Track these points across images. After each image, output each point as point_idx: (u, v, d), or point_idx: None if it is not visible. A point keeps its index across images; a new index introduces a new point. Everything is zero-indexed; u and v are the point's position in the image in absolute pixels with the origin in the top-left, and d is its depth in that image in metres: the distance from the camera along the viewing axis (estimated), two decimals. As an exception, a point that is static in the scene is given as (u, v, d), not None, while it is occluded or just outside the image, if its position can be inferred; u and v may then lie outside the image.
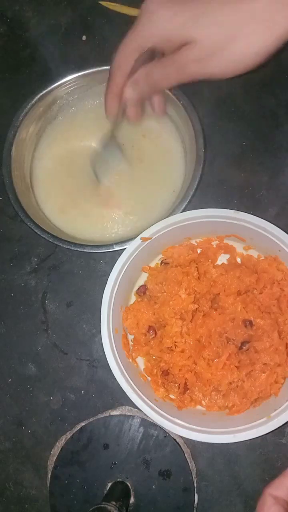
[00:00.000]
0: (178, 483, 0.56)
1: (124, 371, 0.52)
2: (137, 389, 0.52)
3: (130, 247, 0.55)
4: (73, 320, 0.63)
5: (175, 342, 0.54)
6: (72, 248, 0.59)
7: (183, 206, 0.58)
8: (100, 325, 0.53)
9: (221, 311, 0.55)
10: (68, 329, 0.63)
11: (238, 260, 0.59)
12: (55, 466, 0.58)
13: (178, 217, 0.55)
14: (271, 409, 0.51)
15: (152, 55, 0.49)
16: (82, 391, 0.61)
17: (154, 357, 0.57)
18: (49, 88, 0.63)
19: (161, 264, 0.59)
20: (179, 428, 0.51)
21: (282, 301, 0.55)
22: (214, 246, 0.60)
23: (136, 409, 0.59)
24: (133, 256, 0.55)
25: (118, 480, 0.57)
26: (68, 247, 0.58)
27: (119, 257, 0.55)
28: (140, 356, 0.57)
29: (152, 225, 0.55)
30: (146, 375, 0.56)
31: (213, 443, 0.55)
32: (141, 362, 0.58)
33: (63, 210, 0.64)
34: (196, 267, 0.56)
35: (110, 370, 0.52)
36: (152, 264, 0.60)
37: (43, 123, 0.66)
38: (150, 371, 0.56)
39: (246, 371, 0.53)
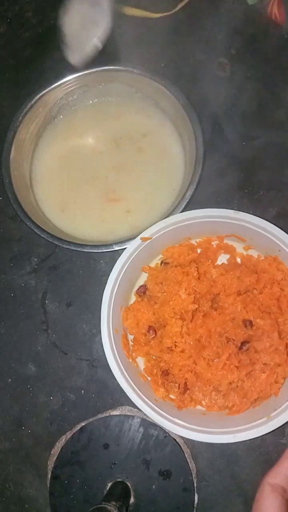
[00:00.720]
0: (178, 483, 0.56)
1: (124, 371, 0.52)
2: (137, 389, 0.52)
3: (130, 247, 0.55)
4: (73, 320, 0.63)
5: (175, 342, 0.54)
6: (72, 248, 0.59)
7: (183, 206, 0.58)
8: (100, 325, 0.53)
9: (221, 311, 0.55)
10: (68, 329, 0.63)
11: (238, 260, 0.59)
12: (55, 466, 0.58)
13: (178, 217, 0.55)
14: (271, 409, 0.51)
15: None
16: (82, 391, 0.61)
17: (154, 357, 0.57)
18: (49, 88, 0.63)
19: (161, 264, 0.59)
20: (179, 428, 0.51)
21: (282, 301, 0.55)
22: (214, 246, 0.60)
23: (136, 409, 0.59)
24: (133, 256, 0.55)
25: (118, 480, 0.57)
26: (68, 247, 0.58)
27: (119, 257, 0.55)
28: (140, 356, 0.57)
29: (152, 225, 0.55)
30: (146, 375, 0.56)
31: (213, 443, 0.55)
32: (141, 362, 0.57)
33: (62, 210, 0.64)
34: (196, 267, 0.56)
35: (110, 370, 0.52)
36: (152, 264, 0.60)
37: (42, 123, 0.66)
38: (150, 371, 0.56)
39: (246, 371, 0.53)
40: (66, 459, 0.58)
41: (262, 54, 0.70)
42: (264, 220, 0.54)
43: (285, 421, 0.50)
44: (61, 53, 0.72)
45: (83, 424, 0.59)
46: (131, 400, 0.52)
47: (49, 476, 0.58)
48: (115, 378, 0.52)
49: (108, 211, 0.63)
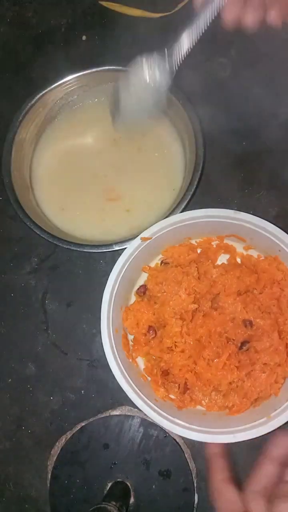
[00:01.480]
0: (178, 483, 0.56)
1: (124, 371, 0.52)
2: (137, 389, 0.52)
3: (130, 247, 0.55)
4: (73, 320, 0.63)
5: (175, 342, 0.54)
6: (72, 248, 0.59)
7: (183, 206, 0.58)
8: (100, 325, 0.53)
9: (221, 311, 0.55)
10: (68, 329, 0.63)
11: (238, 260, 0.59)
12: (55, 466, 0.58)
13: (178, 217, 0.55)
14: (271, 409, 0.51)
15: None
16: (82, 391, 0.61)
17: (154, 358, 0.57)
18: (49, 88, 0.63)
19: (161, 264, 0.59)
20: (179, 428, 0.51)
21: (282, 301, 0.55)
22: (214, 246, 0.60)
23: (136, 409, 0.59)
24: (133, 256, 0.55)
25: (118, 480, 0.57)
26: (68, 247, 0.58)
27: (119, 257, 0.55)
28: (140, 356, 0.57)
29: (152, 225, 0.55)
30: (146, 375, 0.56)
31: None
32: (141, 362, 0.57)
33: (62, 209, 0.64)
34: (196, 267, 0.56)
35: (110, 370, 0.52)
36: (152, 264, 0.60)
37: (42, 123, 0.66)
38: (150, 371, 0.56)
39: (246, 371, 0.53)
40: (66, 459, 0.58)
41: (262, 54, 0.70)
42: (264, 220, 0.54)
43: (285, 421, 0.50)
44: (61, 53, 0.72)
45: (83, 424, 0.59)
46: (131, 400, 0.52)
47: (49, 476, 0.58)
48: (115, 378, 0.52)
49: (108, 210, 0.63)
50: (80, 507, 0.57)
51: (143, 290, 0.58)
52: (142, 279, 0.60)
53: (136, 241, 0.55)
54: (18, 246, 0.66)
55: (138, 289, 0.58)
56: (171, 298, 0.54)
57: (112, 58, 0.71)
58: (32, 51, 0.72)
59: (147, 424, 0.58)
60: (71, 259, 0.65)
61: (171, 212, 0.57)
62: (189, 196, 0.58)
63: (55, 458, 0.58)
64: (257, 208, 0.64)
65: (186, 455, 0.57)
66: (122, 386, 0.52)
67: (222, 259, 0.60)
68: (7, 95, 0.70)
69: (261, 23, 0.44)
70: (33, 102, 0.63)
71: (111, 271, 0.55)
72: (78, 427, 0.59)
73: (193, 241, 0.60)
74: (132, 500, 0.56)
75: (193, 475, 0.57)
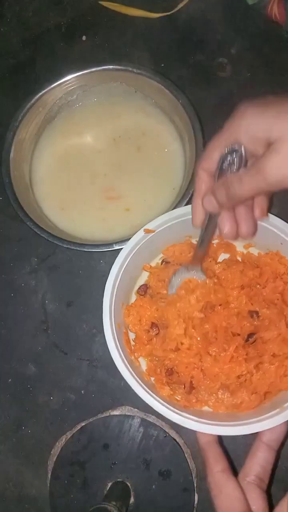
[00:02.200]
0: (178, 483, 0.56)
1: (127, 363, 0.51)
2: (141, 382, 0.50)
3: (132, 239, 0.54)
4: (73, 320, 0.63)
5: (181, 341, 0.53)
6: (72, 248, 0.58)
7: (183, 205, 0.58)
8: (100, 323, 0.52)
9: (226, 305, 0.54)
10: (68, 329, 0.63)
11: (239, 259, 0.59)
12: (55, 466, 0.58)
13: (182, 210, 0.55)
14: (283, 401, 0.49)
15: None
16: (82, 391, 0.61)
17: (156, 359, 0.56)
18: (48, 88, 0.63)
19: (162, 263, 0.59)
20: (189, 421, 0.48)
21: (286, 294, 0.54)
22: (215, 245, 0.60)
23: (136, 409, 0.59)
24: (135, 250, 0.54)
25: (118, 480, 0.57)
26: (68, 246, 0.58)
27: (118, 255, 0.55)
28: (142, 357, 0.57)
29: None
30: (149, 376, 0.55)
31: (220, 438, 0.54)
32: (143, 363, 0.57)
33: (62, 208, 0.64)
34: (215, 281, 0.55)
35: (110, 370, 0.52)
36: (153, 264, 0.60)
37: (42, 122, 0.66)
38: (153, 371, 0.55)
39: (254, 363, 0.51)
40: (66, 459, 0.58)
41: (262, 54, 0.70)
42: None
43: None
44: (61, 53, 0.72)
45: (83, 424, 0.59)
46: (131, 400, 0.51)
47: (49, 476, 0.58)
48: (115, 378, 0.52)
49: (107, 209, 0.63)
50: (80, 507, 0.57)
51: (144, 289, 0.58)
52: (143, 279, 0.59)
53: (139, 234, 0.55)
54: (18, 246, 0.66)
55: (139, 288, 0.58)
56: (179, 300, 0.54)
57: (112, 58, 0.71)
58: (32, 51, 0.72)
59: (147, 424, 0.58)
60: (71, 259, 0.65)
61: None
62: (189, 195, 0.58)
63: (55, 458, 0.58)
64: (257, 208, 0.63)
65: (186, 455, 0.57)
66: (127, 380, 0.50)
67: (222, 258, 0.60)
68: (7, 95, 0.70)
69: (254, 228, 0.50)
70: (33, 101, 0.63)
71: (110, 270, 0.54)
72: (78, 427, 0.59)
73: (193, 240, 0.60)
74: (132, 500, 0.56)
75: (193, 475, 0.57)
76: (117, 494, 0.55)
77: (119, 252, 0.55)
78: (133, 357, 0.55)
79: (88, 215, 0.63)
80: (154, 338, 0.55)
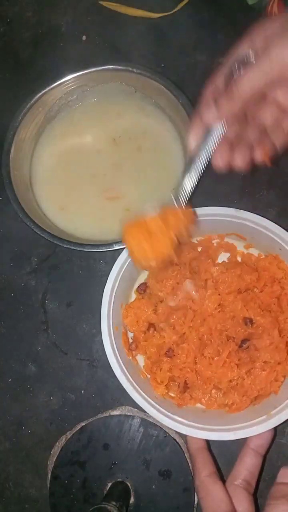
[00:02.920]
0: (178, 483, 0.56)
1: (124, 368, 0.52)
2: (136, 386, 0.52)
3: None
4: (73, 320, 0.63)
5: (177, 344, 0.54)
6: (72, 248, 0.58)
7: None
8: (100, 324, 0.53)
9: (221, 309, 0.55)
10: (68, 329, 0.63)
11: (239, 258, 0.59)
12: (55, 466, 0.58)
13: None
14: (271, 407, 0.51)
15: None
16: (82, 391, 0.61)
17: (152, 360, 0.56)
18: (48, 88, 0.63)
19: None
20: (179, 425, 0.51)
21: (283, 299, 0.55)
22: (215, 244, 0.60)
23: (136, 409, 0.59)
24: None
25: (118, 480, 0.57)
26: (68, 246, 0.58)
27: (119, 256, 0.55)
28: (140, 354, 0.57)
29: None
30: (146, 373, 0.56)
31: (212, 443, 0.55)
32: (141, 360, 0.57)
33: (62, 208, 0.64)
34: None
35: (110, 370, 0.52)
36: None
37: (42, 123, 0.66)
38: (149, 368, 0.56)
39: (246, 369, 0.53)
40: (66, 459, 0.58)
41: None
42: (265, 219, 0.54)
43: (285, 419, 0.50)
44: (61, 53, 0.72)
45: (83, 424, 0.59)
46: (131, 400, 0.52)
47: (49, 476, 0.58)
48: (115, 378, 0.52)
49: (107, 209, 0.63)
50: (80, 507, 0.57)
51: (143, 288, 0.58)
52: (143, 277, 0.60)
53: None
54: (18, 246, 0.66)
55: (138, 287, 0.58)
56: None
57: (112, 58, 0.71)
58: (32, 51, 0.72)
59: (147, 424, 0.58)
60: (71, 259, 0.65)
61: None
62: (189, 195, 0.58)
63: (55, 458, 0.58)
64: (257, 208, 0.63)
65: (186, 455, 0.57)
66: (122, 383, 0.52)
67: (223, 257, 0.60)
68: (7, 95, 0.70)
69: (250, 162, 0.48)
70: (32, 101, 0.63)
71: (111, 270, 0.55)
72: (78, 427, 0.59)
73: (193, 240, 0.60)
74: (132, 500, 0.56)
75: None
76: (117, 494, 0.55)
77: (119, 252, 0.55)
78: (130, 357, 0.55)
79: (88, 215, 0.63)
80: (152, 339, 0.55)
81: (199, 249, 0.60)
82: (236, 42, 0.45)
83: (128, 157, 0.65)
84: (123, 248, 0.56)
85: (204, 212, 0.55)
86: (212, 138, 0.46)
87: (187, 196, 0.50)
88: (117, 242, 0.58)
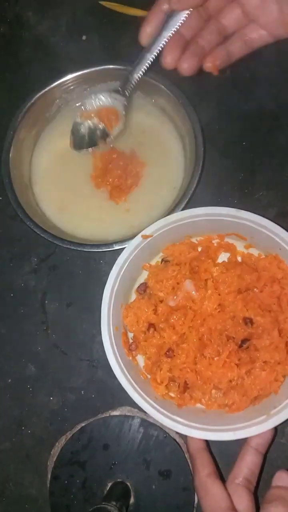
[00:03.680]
0: (178, 483, 0.56)
1: (124, 368, 0.52)
2: (136, 386, 0.52)
3: (131, 244, 0.55)
4: (73, 320, 0.63)
5: (177, 344, 0.54)
6: (72, 248, 0.59)
7: (183, 205, 0.58)
8: (100, 324, 0.53)
9: (221, 309, 0.55)
10: (68, 329, 0.63)
11: (239, 258, 0.59)
12: (55, 466, 0.58)
13: (180, 215, 0.55)
14: (271, 407, 0.51)
15: None
16: (82, 391, 0.61)
17: (152, 360, 0.56)
18: (48, 88, 0.63)
19: (161, 262, 0.59)
20: (179, 425, 0.51)
21: (283, 299, 0.55)
22: (215, 244, 0.60)
23: (136, 409, 0.59)
24: (134, 254, 0.55)
25: (118, 480, 0.57)
26: (68, 246, 0.58)
27: (119, 256, 0.55)
28: (140, 354, 0.57)
29: (153, 223, 0.55)
30: (146, 373, 0.56)
31: (212, 443, 0.55)
32: (141, 360, 0.57)
33: (62, 208, 0.64)
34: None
35: (110, 370, 0.52)
36: (153, 262, 0.60)
37: (42, 122, 0.66)
38: (150, 369, 0.56)
39: (246, 369, 0.52)
40: (66, 459, 0.58)
41: (262, 54, 0.70)
42: (265, 219, 0.54)
43: (285, 419, 0.49)
44: (61, 53, 0.72)
45: (83, 424, 0.59)
46: (131, 400, 0.52)
47: (49, 476, 0.58)
48: (115, 378, 0.52)
49: (107, 209, 0.63)
50: (80, 507, 0.57)
51: (143, 288, 0.58)
52: (143, 277, 0.60)
53: (137, 239, 0.55)
54: (18, 246, 0.66)
55: (138, 287, 0.58)
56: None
57: (112, 58, 0.71)
58: (32, 51, 0.72)
59: (147, 424, 0.58)
60: (71, 259, 0.64)
61: (171, 212, 0.57)
62: (189, 195, 0.58)
63: (55, 458, 0.58)
64: (257, 208, 0.63)
65: (186, 455, 0.57)
66: (122, 384, 0.52)
67: (223, 257, 0.60)
68: (7, 95, 0.70)
69: (197, 70, 0.48)
70: (32, 101, 0.63)
71: (111, 270, 0.55)
72: (78, 427, 0.59)
73: (193, 240, 0.60)
74: (132, 500, 0.56)
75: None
76: (117, 494, 0.55)
77: (119, 252, 0.55)
78: (130, 358, 0.55)
79: (88, 215, 0.63)
80: (153, 339, 0.55)
81: (199, 249, 0.60)
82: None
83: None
84: (123, 248, 0.56)
85: (204, 212, 0.55)
86: (168, 28, 0.46)
87: (132, 86, 0.53)
88: (117, 242, 0.58)
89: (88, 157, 0.65)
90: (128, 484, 0.57)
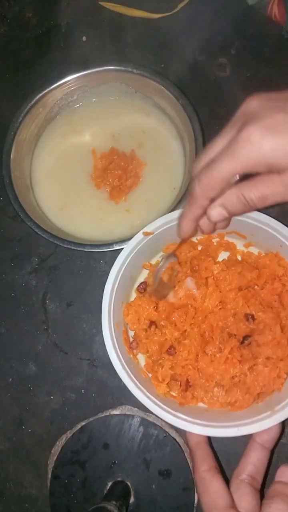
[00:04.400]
0: (178, 482, 0.56)
1: (125, 365, 0.52)
2: (137, 383, 0.51)
3: (132, 241, 0.55)
4: (73, 320, 0.63)
5: (178, 340, 0.54)
6: (72, 248, 0.59)
7: (184, 204, 0.58)
8: (100, 323, 0.53)
9: (222, 306, 0.54)
10: (68, 329, 0.63)
11: (239, 257, 0.59)
12: (55, 465, 0.58)
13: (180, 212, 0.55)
14: (275, 404, 0.50)
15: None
16: (82, 391, 0.61)
17: (153, 358, 0.56)
18: (49, 88, 0.63)
19: (161, 261, 0.59)
20: (182, 422, 0.50)
21: (284, 296, 0.55)
22: (215, 243, 0.60)
23: (136, 409, 0.59)
24: (135, 251, 0.55)
25: (118, 479, 0.57)
26: (68, 246, 0.59)
27: (119, 255, 0.55)
28: (140, 353, 0.57)
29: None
30: (147, 372, 0.56)
31: (215, 441, 0.55)
32: (141, 359, 0.57)
33: (62, 208, 0.64)
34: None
35: (111, 369, 0.52)
36: (153, 262, 0.60)
37: (42, 123, 0.66)
38: (151, 367, 0.56)
39: (248, 365, 0.52)
40: (66, 459, 0.58)
41: (262, 54, 0.70)
42: (266, 215, 0.54)
43: None
44: (61, 53, 0.72)
45: (83, 423, 0.59)
46: (131, 399, 0.52)
47: (49, 475, 0.58)
48: (115, 377, 0.52)
49: (107, 209, 0.63)
50: (80, 507, 0.57)
51: (143, 287, 0.58)
52: (143, 276, 0.60)
53: (138, 236, 0.55)
54: (19, 246, 0.66)
55: (138, 286, 0.58)
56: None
57: (112, 58, 0.71)
58: (32, 51, 0.72)
59: (147, 423, 0.58)
60: (71, 259, 0.65)
61: (172, 211, 0.57)
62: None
63: (55, 457, 0.58)
64: (256, 208, 0.63)
65: (186, 455, 0.57)
66: (123, 380, 0.51)
67: (223, 256, 0.60)
68: (7, 95, 0.70)
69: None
70: (33, 102, 0.63)
71: (111, 268, 0.55)
72: (78, 426, 0.59)
73: (193, 239, 0.60)
74: (132, 499, 0.56)
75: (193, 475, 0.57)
76: (117, 494, 0.55)
77: (119, 252, 0.55)
78: (131, 356, 0.55)
79: (88, 215, 0.64)
80: (154, 337, 0.55)
81: (199, 248, 0.60)
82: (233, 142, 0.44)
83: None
84: (123, 248, 0.56)
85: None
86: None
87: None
88: (117, 242, 0.58)
89: (88, 158, 0.65)
90: (128, 483, 0.57)
